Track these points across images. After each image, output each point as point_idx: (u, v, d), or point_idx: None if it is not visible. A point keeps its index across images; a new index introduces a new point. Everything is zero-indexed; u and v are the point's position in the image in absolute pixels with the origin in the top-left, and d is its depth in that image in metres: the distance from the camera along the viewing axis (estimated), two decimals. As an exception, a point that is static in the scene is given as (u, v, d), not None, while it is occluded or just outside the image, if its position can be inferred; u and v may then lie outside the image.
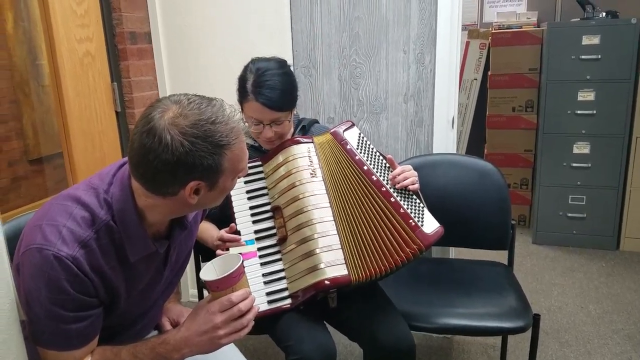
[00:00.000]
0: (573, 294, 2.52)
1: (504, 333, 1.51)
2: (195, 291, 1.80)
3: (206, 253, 1.70)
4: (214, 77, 2.19)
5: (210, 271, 1.00)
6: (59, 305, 0.91)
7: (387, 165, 1.43)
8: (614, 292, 2.52)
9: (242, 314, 0.96)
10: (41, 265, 0.89)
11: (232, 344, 1.27)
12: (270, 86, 1.35)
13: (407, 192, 1.39)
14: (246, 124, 1.40)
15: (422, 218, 1.35)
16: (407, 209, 1.35)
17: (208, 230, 1.46)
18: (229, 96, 2.13)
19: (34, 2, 1.80)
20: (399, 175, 1.39)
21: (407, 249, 1.30)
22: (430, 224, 1.35)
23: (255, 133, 1.44)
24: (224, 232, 1.38)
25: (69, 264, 0.89)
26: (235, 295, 0.95)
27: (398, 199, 1.36)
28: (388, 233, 1.32)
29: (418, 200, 1.39)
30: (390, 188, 1.38)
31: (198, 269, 1.79)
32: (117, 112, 2.14)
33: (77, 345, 0.96)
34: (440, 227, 1.36)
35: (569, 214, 3.04)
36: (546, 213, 3.10)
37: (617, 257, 2.90)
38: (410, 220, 1.33)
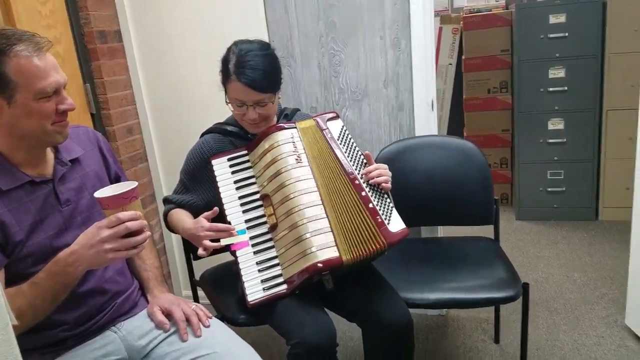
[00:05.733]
0: (558, 265, 2.59)
1: (496, 303, 1.55)
2: (190, 292, 1.79)
3: (197, 250, 1.70)
4: (189, 72, 2.18)
5: (106, 192, 1.05)
6: None
7: (364, 161, 1.45)
8: (596, 260, 2.61)
9: (132, 234, 1.03)
10: None
11: (241, 339, 1.26)
12: (253, 67, 1.36)
13: (379, 190, 1.40)
14: (229, 105, 1.42)
15: (390, 216, 1.36)
16: (377, 205, 1.36)
17: (183, 221, 1.46)
18: (204, 90, 2.15)
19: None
20: (373, 171, 1.40)
21: (371, 244, 1.32)
22: (396, 224, 1.35)
23: (239, 115, 1.44)
24: (205, 221, 1.36)
25: None
26: (122, 214, 1.02)
27: (369, 194, 1.37)
28: (359, 224, 1.34)
29: (388, 200, 1.40)
30: (364, 182, 1.39)
31: (190, 267, 1.79)
32: (92, 114, 2.10)
33: None
34: (406, 228, 1.36)
35: (549, 189, 3.12)
36: (527, 190, 3.17)
37: (597, 227, 2.99)
38: (378, 217, 1.34)
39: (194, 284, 1.81)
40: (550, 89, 2.98)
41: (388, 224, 1.34)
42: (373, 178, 1.39)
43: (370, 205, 1.35)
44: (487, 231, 1.90)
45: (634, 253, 1.92)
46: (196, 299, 1.74)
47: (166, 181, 2.36)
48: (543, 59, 2.96)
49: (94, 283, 1.20)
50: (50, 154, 1.19)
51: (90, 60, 2.06)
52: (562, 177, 3.08)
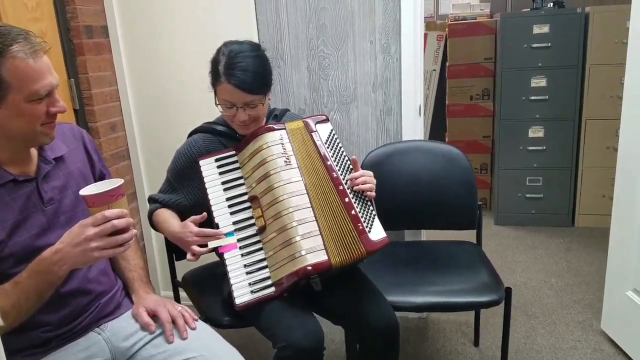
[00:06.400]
0: (536, 270, 2.65)
1: (480, 307, 1.58)
2: (169, 293, 1.77)
3: (179, 251, 1.68)
4: (177, 70, 2.16)
5: (92, 190, 1.04)
6: None
7: (350, 167, 1.44)
8: (572, 265, 2.68)
9: (118, 232, 1.01)
10: None
11: (227, 342, 1.26)
12: (243, 68, 1.34)
13: (362, 197, 1.40)
14: (219, 106, 1.41)
15: (372, 225, 1.36)
16: (359, 212, 1.36)
17: (169, 222, 1.45)
18: (191, 89, 2.13)
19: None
20: (359, 177, 1.40)
21: (351, 251, 1.32)
22: (377, 232, 1.35)
23: (229, 117, 1.43)
24: (193, 226, 1.35)
25: None
26: (109, 211, 1.01)
27: (353, 200, 1.37)
28: (342, 229, 1.34)
29: (371, 208, 1.40)
30: (348, 188, 1.39)
31: (172, 268, 1.76)
32: (75, 110, 2.06)
33: None
34: (386, 237, 1.36)
35: (527, 195, 3.19)
36: (506, 195, 3.23)
37: (573, 233, 3.07)
38: (359, 224, 1.33)
39: (175, 285, 1.79)
40: (532, 98, 3.05)
41: (369, 232, 1.34)
42: (358, 185, 1.39)
43: (353, 212, 1.35)
44: (467, 235, 1.93)
45: (611, 260, 1.97)
46: (177, 300, 1.72)
47: (148, 180, 2.33)
48: (526, 68, 3.02)
49: (77, 283, 1.18)
50: (34, 151, 1.16)
51: (75, 55, 2.02)
52: (541, 183, 3.16)
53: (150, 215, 1.55)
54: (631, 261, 1.83)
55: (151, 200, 1.58)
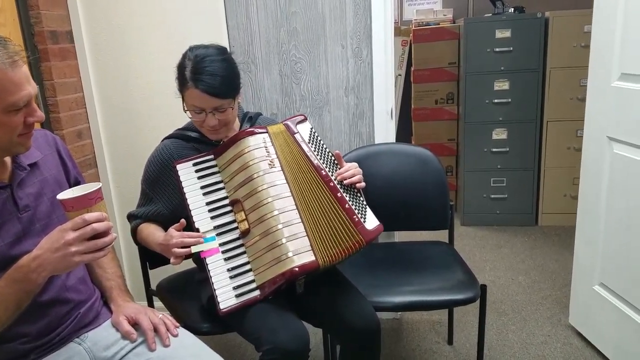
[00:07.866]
0: (503, 268, 2.73)
1: (457, 304, 1.61)
2: (145, 303, 1.73)
3: (153, 259, 1.65)
4: (145, 76, 2.12)
5: (69, 194, 1.02)
6: None
7: (335, 161, 1.47)
8: (538, 263, 2.77)
9: (98, 236, 0.99)
10: None
11: (210, 349, 1.24)
12: (210, 72, 1.33)
13: (352, 189, 1.43)
14: (187, 112, 1.39)
15: (365, 215, 1.40)
16: (352, 205, 1.38)
17: (153, 235, 1.43)
18: (159, 95, 2.10)
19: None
20: (346, 172, 1.43)
21: (349, 243, 1.34)
22: (371, 221, 1.40)
23: (198, 122, 1.42)
24: (175, 231, 1.34)
25: None
26: (88, 215, 0.98)
27: (344, 194, 1.40)
28: (336, 225, 1.36)
29: (362, 198, 1.44)
30: (338, 184, 1.41)
31: (146, 276, 1.73)
32: (40, 117, 1.99)
33: None
34: (380, 224, 1.41)
35: (492, 196, 3.29)
36: (471, 196, 3.32)
37: (537, 232, 3.18)
38: (354, 216, 1.36)
39: (149, 294, 1.75)
40: (495, 101, 3.15)
41: (364, 222, 1.37)
42: (347, 178, 1.41)
43: (347, 205, 1.37)
44: (438, 235, 1.97)
45: (578, 255, 2.05)
46: (151, 307, 1.68)
47: (116, 187, 2.26)
48: (489, 71, 3.12)
49: (56, 292, 1.14)
50: (7, 157, 1.13)
51: (40, 61, 1.96)
52: (505, 184, 3.26)
53: (134, 232, 1.52)
54: (598, 256, 1.91)
55: (131, 217, 1.54)
